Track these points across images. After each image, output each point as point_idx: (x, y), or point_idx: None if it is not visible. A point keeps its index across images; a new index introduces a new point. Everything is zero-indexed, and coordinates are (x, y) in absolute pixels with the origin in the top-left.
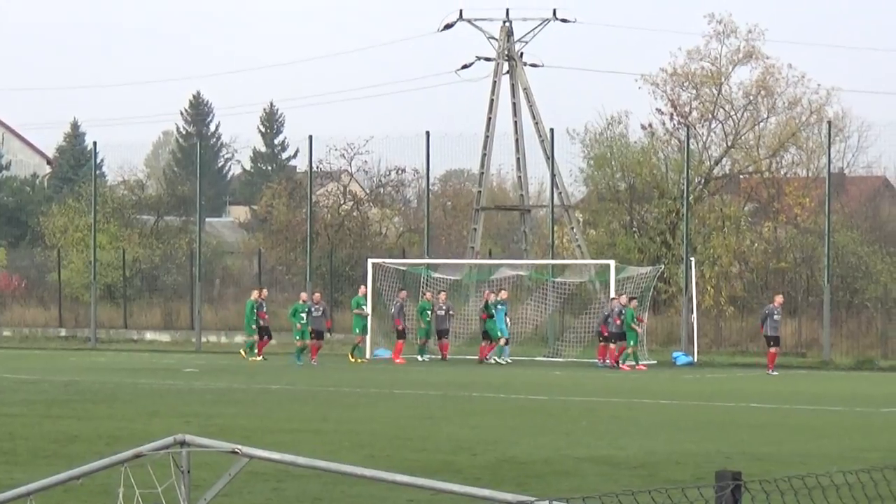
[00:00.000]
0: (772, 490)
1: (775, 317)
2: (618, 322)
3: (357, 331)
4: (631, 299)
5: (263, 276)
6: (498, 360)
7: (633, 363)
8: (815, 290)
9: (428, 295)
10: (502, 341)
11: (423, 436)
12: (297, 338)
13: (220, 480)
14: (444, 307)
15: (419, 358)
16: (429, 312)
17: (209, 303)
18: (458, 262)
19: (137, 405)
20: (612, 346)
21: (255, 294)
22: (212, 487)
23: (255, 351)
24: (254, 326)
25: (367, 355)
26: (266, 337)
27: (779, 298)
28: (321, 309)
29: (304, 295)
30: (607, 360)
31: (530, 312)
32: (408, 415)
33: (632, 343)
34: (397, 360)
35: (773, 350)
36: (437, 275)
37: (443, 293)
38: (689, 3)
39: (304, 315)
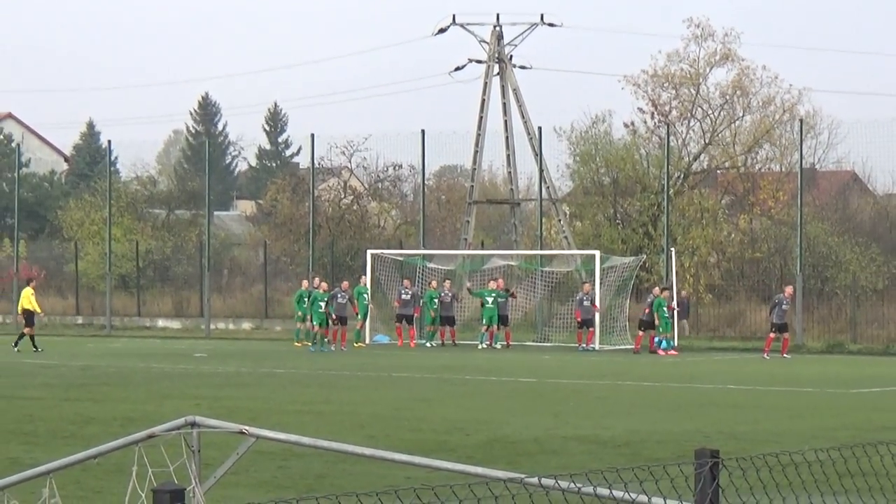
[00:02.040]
0: (748, 467)
1: (784, 306)
2: (647, 311)
3: (359, 317)
4: (663, 290)
5: (269, 267)
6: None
7: (667, 347)
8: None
9: (434, 283)
10: (484, 328)
11: (419, 417)
12: (317, 324)
13: (229, 459)
14: (449, 294)
15: (427, 344)
16: (436, 300)
17: (217, 292)
18: (452, 253)
19: (150, 388)
20: (640, 332)
21: (324, 286)
22: (221, 466)
23: (319, 336)
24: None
25: (367, 340)
26: (340, 325)
27: (789, 289)
28: (346, 296)
29: (305, 283)
30: (592, 345)
31: (520, 300)
32: (405, 397)
33: (663, 330)
34: (410, 343)
35: (785, 336)
36: (431, 265)
37: (448, 280)
38: (670, 8)
39: (322, 303)
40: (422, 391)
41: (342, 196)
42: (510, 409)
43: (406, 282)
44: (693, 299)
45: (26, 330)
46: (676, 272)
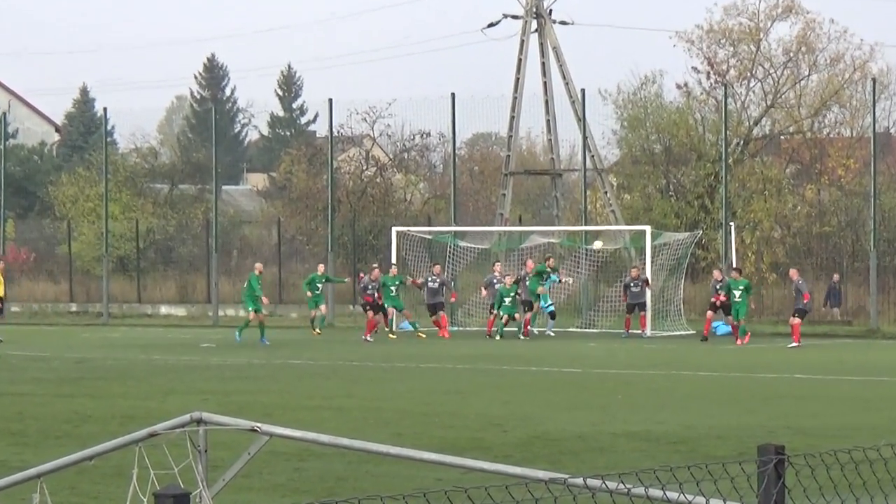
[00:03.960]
0: (816, 464)
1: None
2: (723, 298)
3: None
4: (732, 270)
5: (283, 247)
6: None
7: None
8: (861, 254)
9: (497, 267)
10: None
11: (451, 412)
12: (391, 307)
13: (240, 460)
14: (437, 280)
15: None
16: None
17: (226, 275)
18: (487, 230)
19: (152, 382)
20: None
21: (394, 270)
22: (230, 467)
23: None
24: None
25: (394, 328)
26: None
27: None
28: (438, 280)
29: (321, 266)
30: (645, 331)
31: (564, 280)
32: (435, 390)
33: (740, 316)
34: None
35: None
36: (463, 243)
37: (437, 265)
38: None
39: (392, 288)
40: (454, 384)
41: (364, 168)
42: (552, 402)
43: (436, 268)
44: (755, 279)
45: None
46: (736, 249)
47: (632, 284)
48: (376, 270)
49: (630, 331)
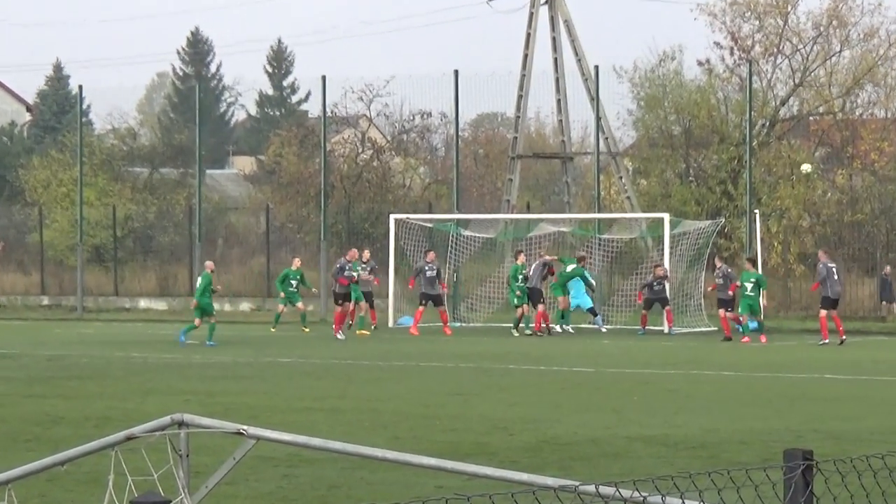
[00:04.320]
0: (847, 471)
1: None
2: (734, 288)
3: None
4: (748, 260)
5: (272, 235)
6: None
7: (747, 331)
8: None
9: (521, 257)
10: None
11: (453, 414)
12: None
13: (224, 465)
14: (434, 268)
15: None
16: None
17: None
18: (492, 218)
19: (130, 382)
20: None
21: (352, 252)
22: (214, 474)
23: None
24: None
25: (391, 323)
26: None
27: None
28: (435, 268)
29: (297, 261)
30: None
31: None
32: (436, 391)
33: (748, 311)
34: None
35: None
36: (467, 232)
37: (431, 252)
38: None
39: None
40: (456, 384)
41: (360, 150)
42: (562, 404)
43: (431, 254)
44: (781, 271)
45: None
46: (762, 238)
47: (654, 283)
48: (354, 250)
49: (647, 327)
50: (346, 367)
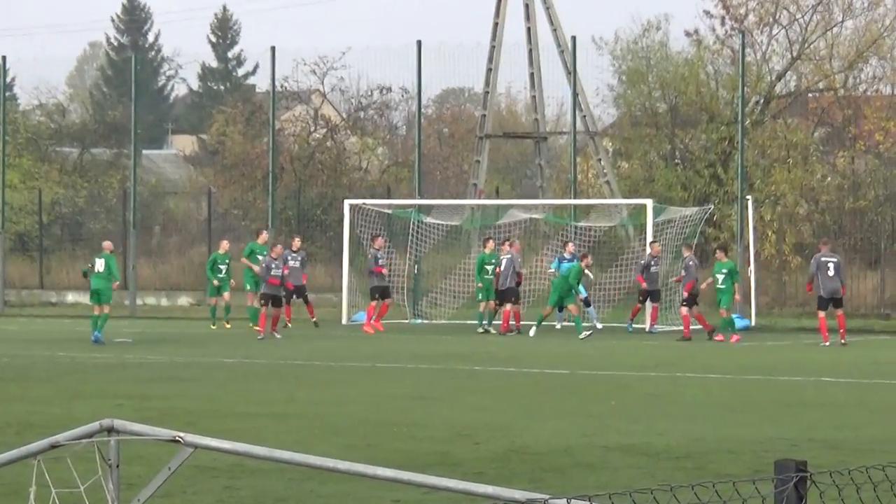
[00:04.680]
0: (845, 483)
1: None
2: (691, 286)
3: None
4: (718, 248)
5: (214, 223)
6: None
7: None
8: None
9: (489, 244)
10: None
11: (413, 420)
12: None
13: (158, 476)
14: (382, 256)
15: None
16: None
17: (146, 255)
18: (458, 203)
19: (56, 384)
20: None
21: (277, 249)
22: (148, 485)
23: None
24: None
25: (344, 319)
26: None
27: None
28: (299, 258)
29: (225, 244)
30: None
31: (546, 265)
32: (395, 394)
33: (723, 305)
34: (369, 328)
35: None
36: (430, 219)
37: (379, 238)
38: None
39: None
40: (417, 387)
41: (312, 129)
42: (533, 410)
43: (378, 241)
44: (776, 263)
45: None
46: (754, 227)
47: (652, 264)
48: (278, 247)
49: (635, 323)
50: (296, 369)
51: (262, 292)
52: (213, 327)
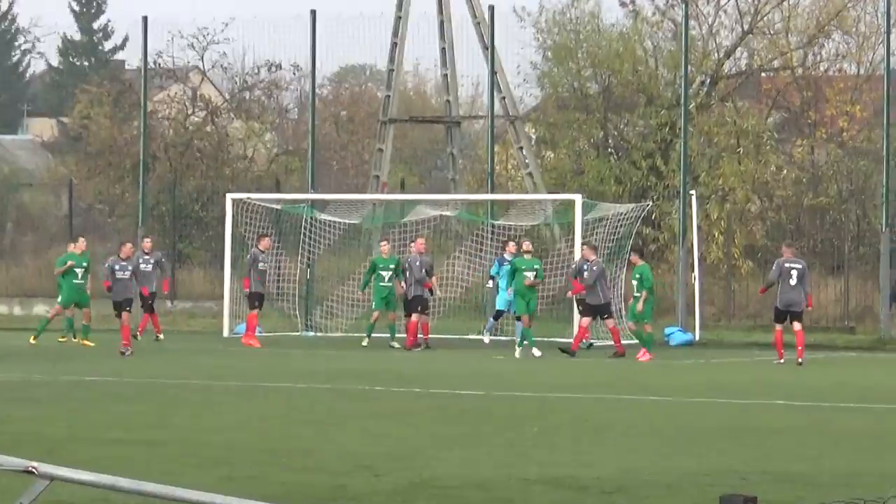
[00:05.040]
0: None
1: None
2: (578, 289)
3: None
4: (632, 250)
5: (76, 219)
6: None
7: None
8: (870, 236)
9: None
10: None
11: (304, 448)
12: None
13: None
14: (266, 259)
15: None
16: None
17: None
18: (357, 198)
19: None
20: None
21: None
22: None
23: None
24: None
25: (226, 331)
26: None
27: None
28: (152, 262)
29: (82, 242)
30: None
31: (459, 269)
32: (284, 419)
33: (642, 318)
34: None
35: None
36: (325, 216)
37: (266, 238)
38: None
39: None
40: (309, 410)
41: (190, 112)
42: (442, 437)
43: (264, 241)
44: (723, 268)
45: None
46: (699, 227)
47: (584, 269)
48: (128, 245)
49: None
50: (170, 389)
51: (113, 300)
52: (60, 339)
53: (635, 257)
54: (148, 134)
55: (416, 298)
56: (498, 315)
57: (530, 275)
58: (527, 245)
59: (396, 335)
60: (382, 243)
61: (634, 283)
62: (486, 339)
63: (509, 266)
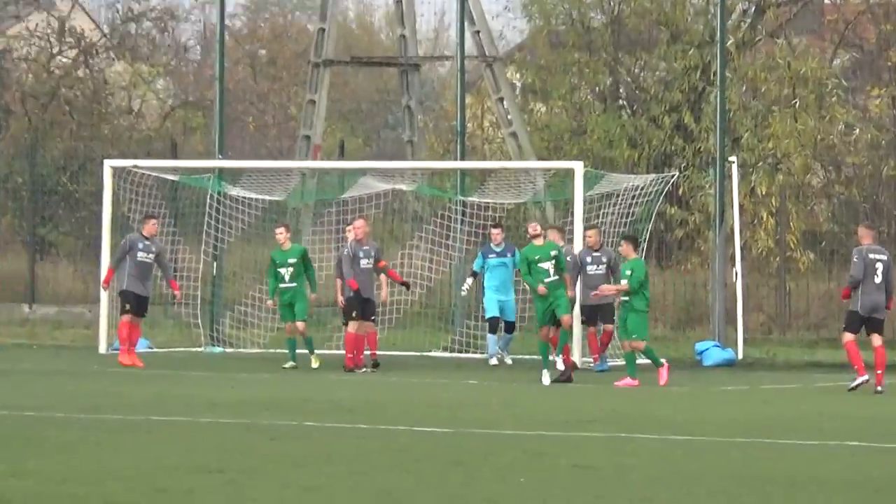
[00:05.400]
0: None
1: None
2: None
3: None
4: (624, 240)
5: None
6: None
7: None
8: None
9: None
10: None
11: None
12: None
13: None
14: (152, 248)
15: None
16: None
17: None
18: (279, 166)
19: None
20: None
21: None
22: None
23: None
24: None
25: (102, 346)
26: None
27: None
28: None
29: None
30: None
31: (419, 262)
32: (180, 465)
33: (633, 332)
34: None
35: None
36: (238, 191)
37: (152, 220)
38: None
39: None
40: (215, 453)
41: (56, 50)
42: (395, 490)
43: (149, 224)
44: (775, 262)
45: None
46: (741, 206)
47: (589, 261)
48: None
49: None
50: (24, 425)
51: None
52: None
53: (627, 247)
54: (2, 83)
55: (362, 302)
56: (495, 325)
57: (547, 266)
58: (533, 228)
59: (315, 351)
60: (279, 230)
61: (624, 281)
62: (508, 359)
63: (520, 259)
